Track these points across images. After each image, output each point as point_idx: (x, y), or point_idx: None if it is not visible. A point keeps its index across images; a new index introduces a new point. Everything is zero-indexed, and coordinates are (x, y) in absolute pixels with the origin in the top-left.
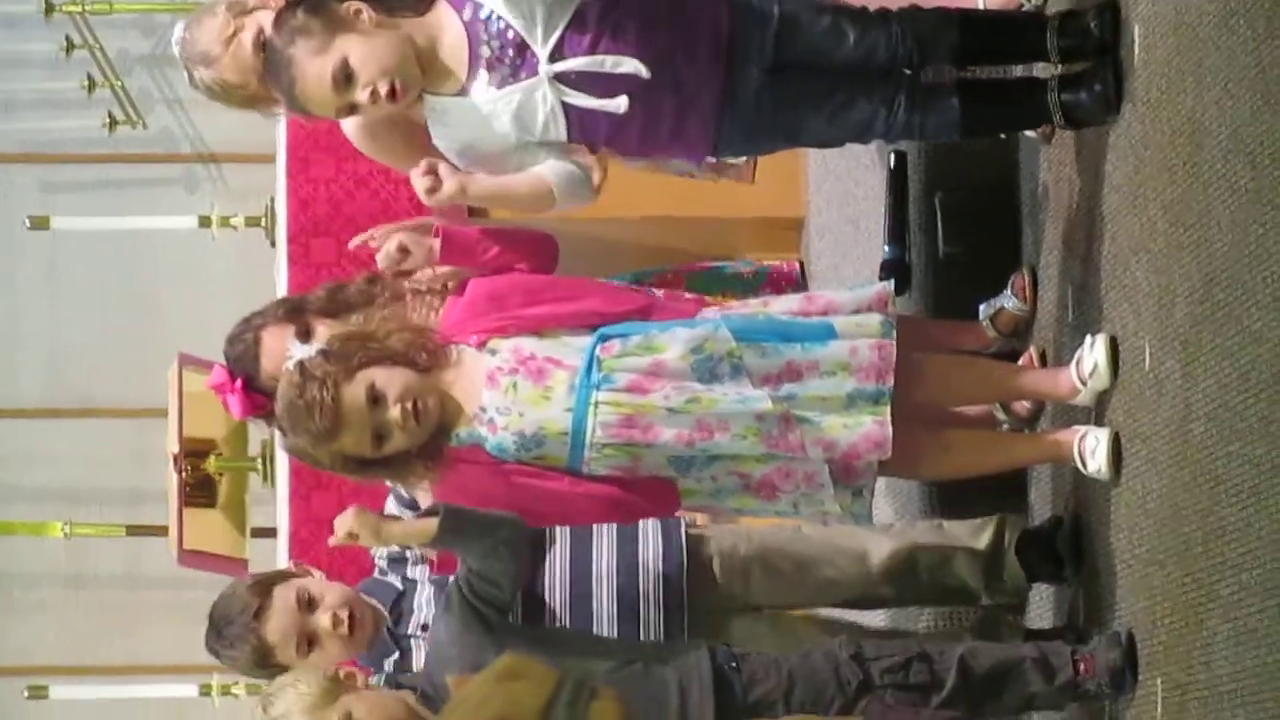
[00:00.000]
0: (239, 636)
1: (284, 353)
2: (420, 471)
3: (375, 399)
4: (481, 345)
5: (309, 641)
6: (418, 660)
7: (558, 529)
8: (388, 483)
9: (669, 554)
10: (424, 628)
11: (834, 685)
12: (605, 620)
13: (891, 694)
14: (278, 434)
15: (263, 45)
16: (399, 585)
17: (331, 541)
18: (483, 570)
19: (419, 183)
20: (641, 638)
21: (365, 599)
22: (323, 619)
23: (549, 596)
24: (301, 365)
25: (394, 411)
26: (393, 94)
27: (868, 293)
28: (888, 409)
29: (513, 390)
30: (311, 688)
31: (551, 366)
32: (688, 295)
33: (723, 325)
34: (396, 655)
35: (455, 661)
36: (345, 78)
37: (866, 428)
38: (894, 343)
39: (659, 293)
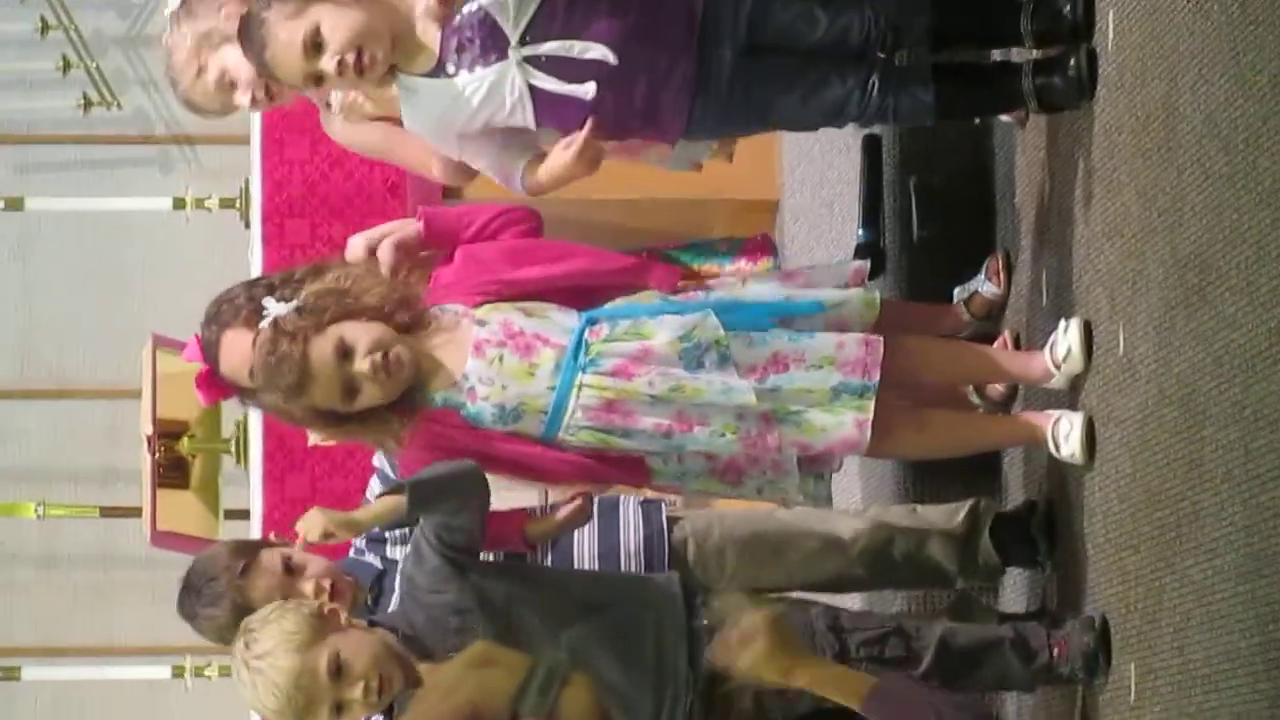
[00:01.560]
0: (220, 594)
1: (240, 358)
2: (395, 427)
3: (344, 353)
4: (474, 306)
5: None
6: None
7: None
8: (371, 446)
9: (650, 537)
10: None
11: None
12: None
13: (866, 667)
14: (253, 399)
15: (230, 85)
16: (378, 565)
17: (307, 540)
18: (450, 523)
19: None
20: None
21: (346, 575)
22: (305, 586)
23: None
24: (275, 322)
25: (363, 364)
26: (359, 65)
27: (844, 270)
28: (872, 405)
29: (498, 363)
30: (299, 626)
31: (539, 344)
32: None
33: (711, 312)
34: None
35: (433, 607)
36: (315, 45)
37: (845, 429)
38: (880, 339)
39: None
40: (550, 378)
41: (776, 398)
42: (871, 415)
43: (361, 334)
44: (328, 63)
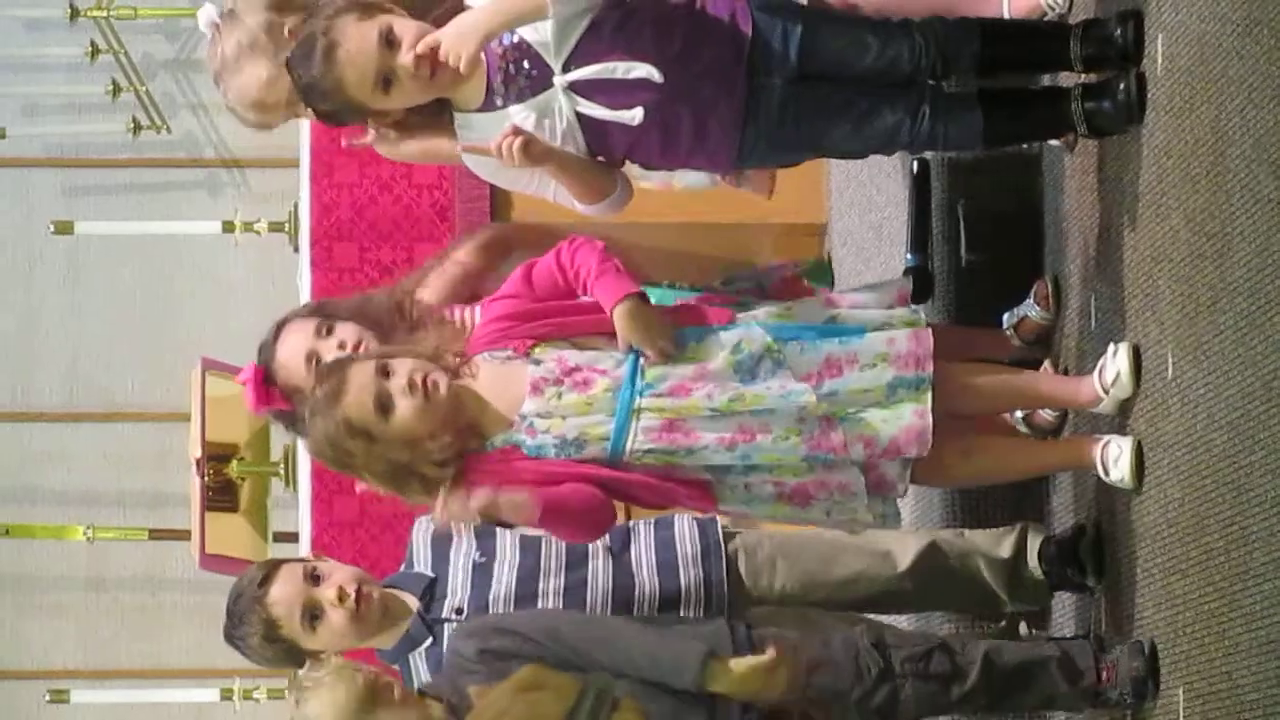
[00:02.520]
0: (246, 610)
1: (300, 346)
2: (452, 481)
3: (384, 372)
4: (526, 352)
5: (312, 614)
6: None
7: (599, 547)
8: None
9: (707, 549)
10: (458, 611)
11: (853, 672)
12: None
13: (912, 684)
14: (300, 439)
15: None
16: (430, 572)
17: None
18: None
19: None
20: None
21: (391, 590)
22: (327, 592)
23: (590, 605)
24: (321, 363)
25: (399, 381)
26: (434, 65)
27: (889, 292)
28: (929, 396)
29: (556, 399)
30: (349, 697)
31: (595, 375)
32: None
33: (755, 325)
34: (429, 641)
35: (479, 675)
36: (389, 41)
37: (907, 420)
38: (929, 331)
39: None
40: (608, 405)
41: (835, 401)
42: (930, 404)
43: (402, 361)
44: (405, 56)
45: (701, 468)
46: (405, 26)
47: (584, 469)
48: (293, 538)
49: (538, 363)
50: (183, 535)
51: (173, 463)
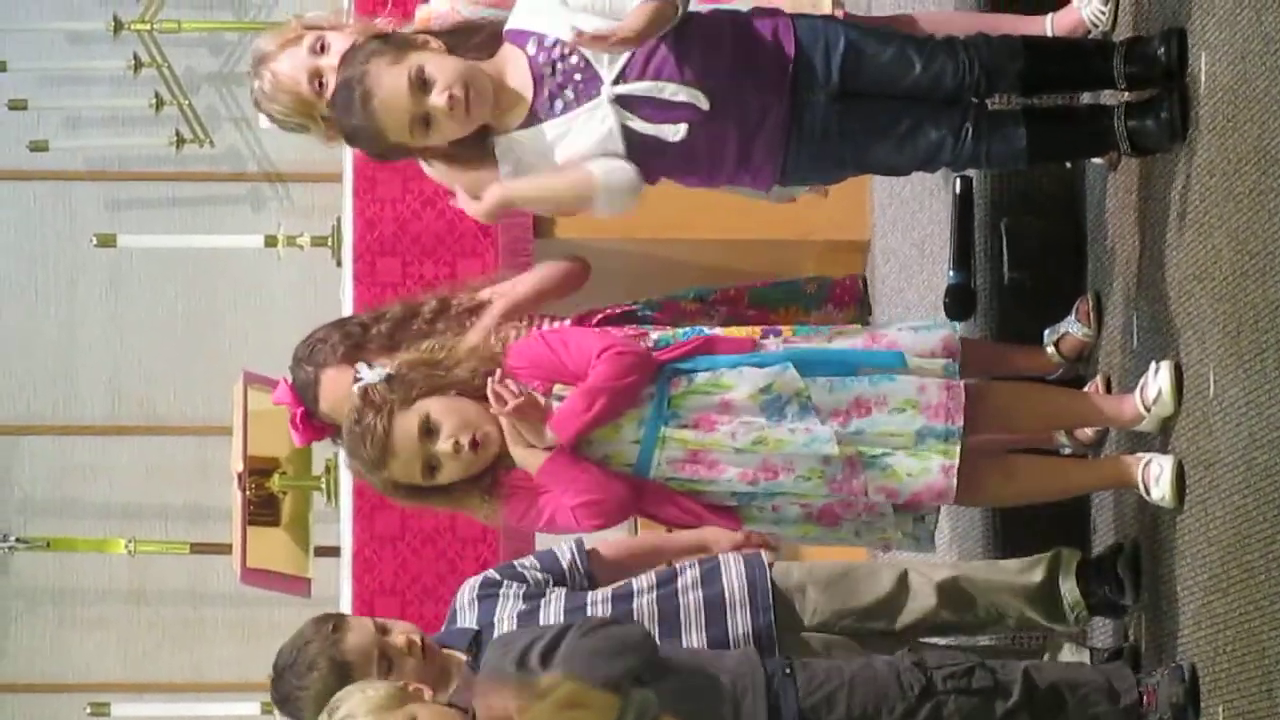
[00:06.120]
0: (316, 656)
1: (342, 394)
2: (478, 502)
3: (429, 430)
4: (547, 391)
5: (388, 664)
6: None
7: (643, 582)
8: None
9: (753, 579)
10: None
11: (896, 690)
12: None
13: (955, 700)
14: (342, 454)
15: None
16: (475, 625)
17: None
18: None
19: (468, 207)
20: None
21: (443, 647)
22: (397, 639)
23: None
24: (365, 391)
25: (445, 445)
26: (468, 102)
27: (933, 338)
28: (957, 450)
29: None
30: (379, 691)
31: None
32: (750, 312)
33: (790, 365)
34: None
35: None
36: (421, 84)
37: (932, 476)
38: (961, 384)
39: (718, 330)
40: (634, 433)
41: (860, 440)
42: (958, 461)
43: (448, 414)
44: (438, 98)
45: (727, 495)
46: (437, 66)
47: (616, 476)
48: (334, 552)
49: (560, 398)
50: (224, 549)
51: (214, 476)
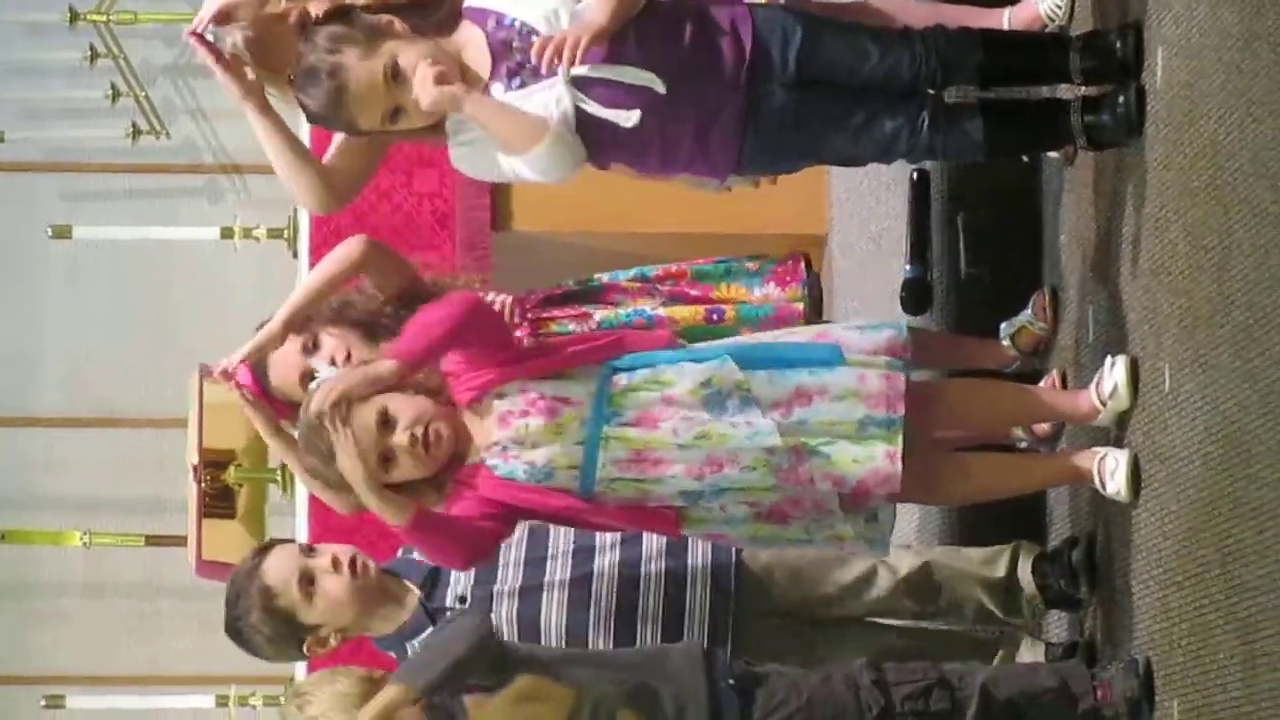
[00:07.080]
0: (243, 589)
1: (290, 367)
2: (432, 499)
3: (386, 422)
4: (479, 398)
5: (309, 581)
6: None
7: (607, 542)
8: None
9: (720, 576)
10: (462, 599)
11: (854, 710)
12: (650, 623)
13: None
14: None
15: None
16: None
17: None
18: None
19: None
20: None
21: (390, 573)
22: (321, 560)
23: (593, 607)
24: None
25: (403, 437)
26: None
27: (879, 337)
28: (900, 438)
29: (524, 429)
30: (350, 689)
31: (561, 405)
32: (692, 290)
33: (728, 358)
34: (429, 630)
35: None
36: (394, 76)
37: (877, 462)
38: (901, 376)
39: (660, 311)
40: (577, 434)
41: (804, 430)
42: (901, 447)
43: (406, 406)
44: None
45: (674, 493)
46: (410, 57)
47: (552, 500)
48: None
49: (501, 396)
50: (180, 541)
51: (171, 468)
